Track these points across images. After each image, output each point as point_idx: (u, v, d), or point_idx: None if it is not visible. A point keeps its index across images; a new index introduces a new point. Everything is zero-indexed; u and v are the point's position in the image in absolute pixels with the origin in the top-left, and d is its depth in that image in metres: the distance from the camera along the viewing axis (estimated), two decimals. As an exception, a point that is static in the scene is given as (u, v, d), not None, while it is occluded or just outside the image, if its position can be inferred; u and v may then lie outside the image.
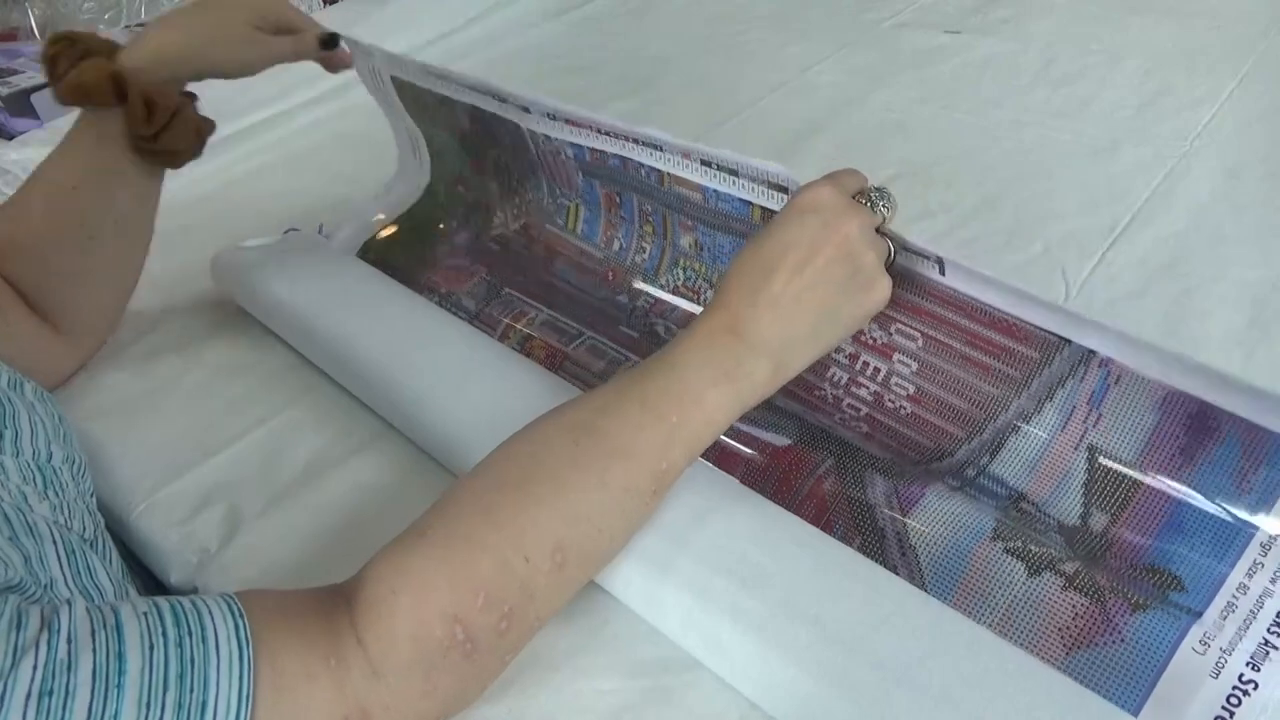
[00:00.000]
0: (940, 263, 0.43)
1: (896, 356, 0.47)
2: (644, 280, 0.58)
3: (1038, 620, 0.40)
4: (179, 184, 0.71)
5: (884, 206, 0.43)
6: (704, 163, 0.49)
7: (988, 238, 0.66)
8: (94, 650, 0.30)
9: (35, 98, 0.92)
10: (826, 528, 0.45)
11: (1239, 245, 0.63)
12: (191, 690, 0.31)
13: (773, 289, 0.40)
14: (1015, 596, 0.40)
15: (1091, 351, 0.41)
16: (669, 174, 0.51)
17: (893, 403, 0.48)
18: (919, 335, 0.46)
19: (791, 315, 0.40)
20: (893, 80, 0.88)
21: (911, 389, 0.47)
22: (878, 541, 0.44)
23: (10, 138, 0.88)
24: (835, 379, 0.49)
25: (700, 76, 0.93)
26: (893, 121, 0.82)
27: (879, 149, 0.78)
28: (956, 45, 0.93)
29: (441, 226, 0.68)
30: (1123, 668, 0.38)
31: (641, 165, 0.52)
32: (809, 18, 1.03)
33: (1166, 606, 0.38)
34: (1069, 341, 0.42)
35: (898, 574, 0.41)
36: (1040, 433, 0.43)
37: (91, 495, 0.48)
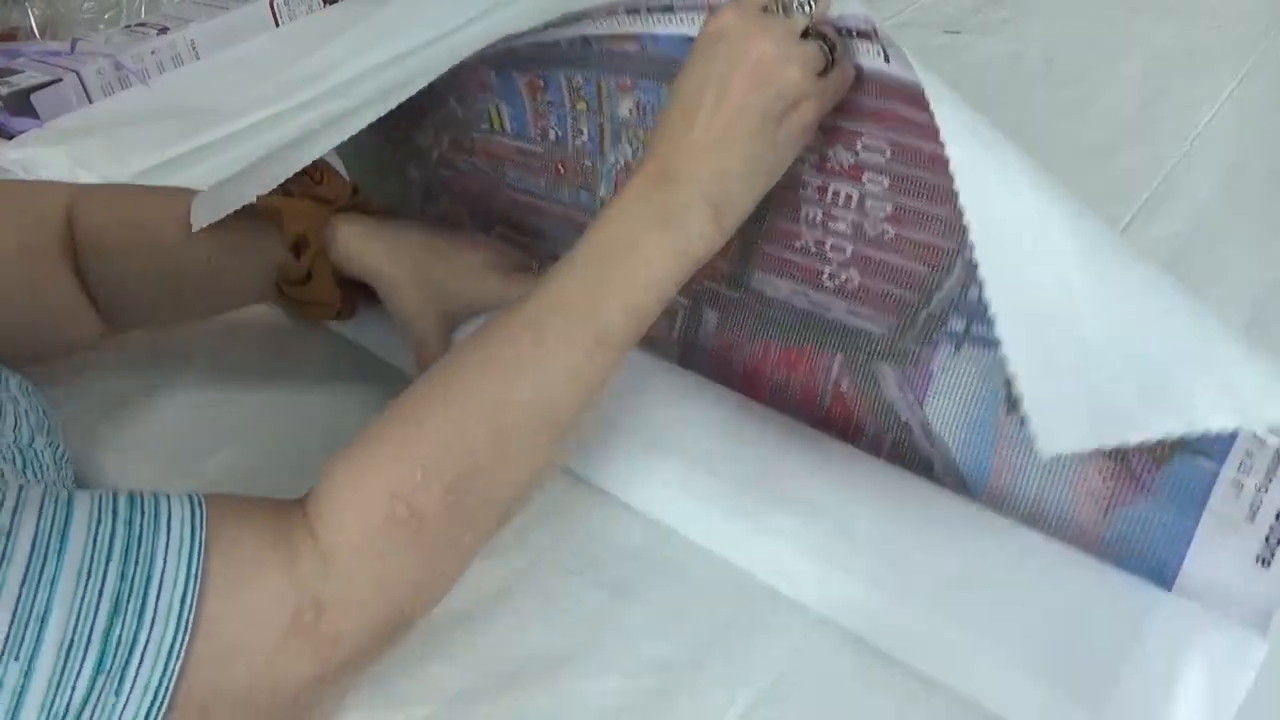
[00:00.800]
0: (884, 51, 0.40)
1: (867, 176, 0.44)
2: (590, 162, 0.55)
3: (1070, 488, 0.40)
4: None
5: (803, 6, 0.40)
6: (631, 10, 0.46)
7: (988, 238, 0.66)
8: (39, 520, 0.30)
9: (35, 97, 0.92)
10: (857, 433, 0.46)
11: (1239, 245, 0.63)
12: (136, 563, 0.31)
13: (694, 132, 0.38)
14: (1044, 468, 0.40)
15: None
16: (595, 36, 0.48)
17: (873, 229, 0.45)
18: (887, 147, 0.43)
19: (720, 152, 0.38)
20: (893, 80, 0.88)
21: (889, 208, 0.44)
22: (908, 438, 0.45)
23: (10, 137, 0.88)
24: (811, 218, 0.46)
25: (700, 76, 0.93)
26: (893, 121, 0.82)
27: (879, 149, 0.78)
28: (956, 45, 0.93)
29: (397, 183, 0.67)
30: (1161, 521, 0.38)
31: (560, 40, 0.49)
32: (809, 18, 1.03)
33: (1188, 455, 0.38)
34: None
35: (933, 468, 0.43)
36: None
37: (74, 485, 0.47)
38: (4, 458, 0.41)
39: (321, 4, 1.18)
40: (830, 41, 0.40)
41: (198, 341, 0.63)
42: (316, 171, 0.56)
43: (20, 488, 0.32)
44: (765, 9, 0.40)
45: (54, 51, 1.01)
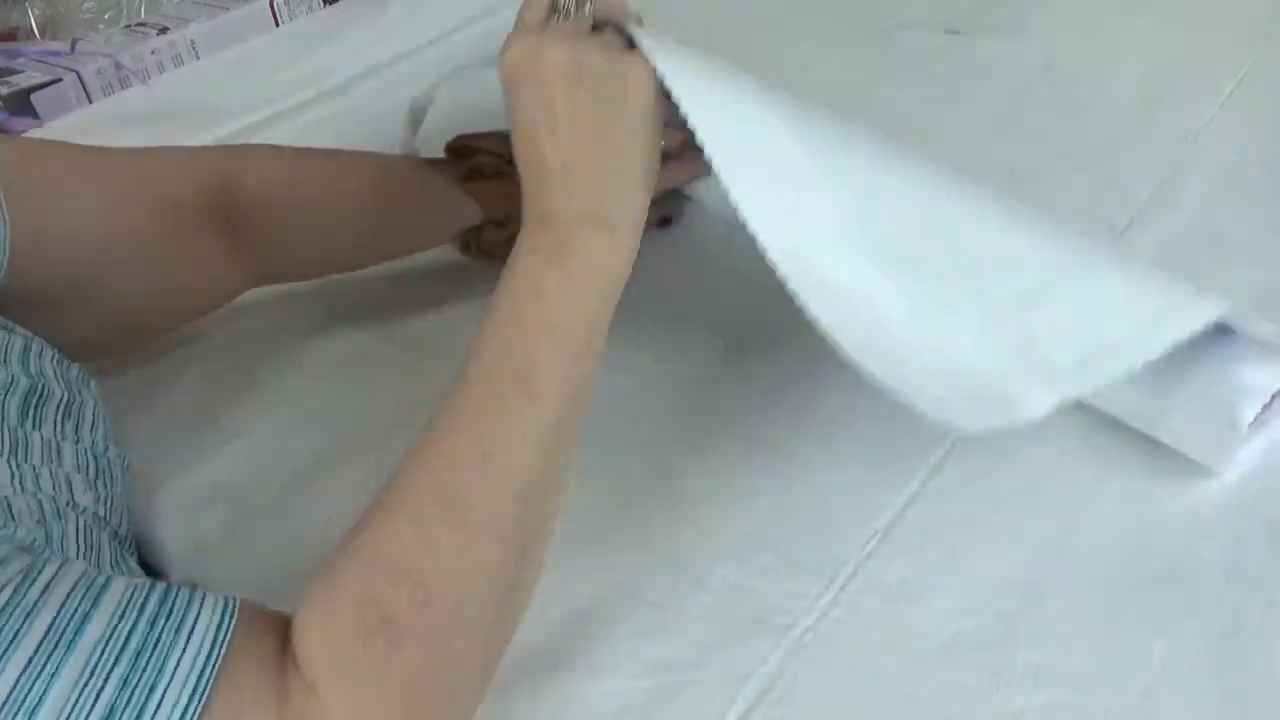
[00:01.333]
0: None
1: None
2: None
3: None
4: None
5: (580, 4, 0.40)
6: None
7: (988, 238, 0.66)
8: (64, 602, 0.29)
9: (35, 97, 0.92)
10: None
11: (1239, 245, 0.63)
12: (144, 671, 0.29)
13: (546, 165, 0.38)
14: None
15: None
16: None
17: None
18: None
19: (577, 170, 0.38)
20: (893, 80, 0.88)
21: None
22: None
23: (10, 137, 0.88)
24: None
25: (700, 76, 0.93)
26: (893, 121, 0.82)
27: (879, 149, 0.78)
28: (956, 45, 0.93)
29: None
30: None
31: None
32: (809, 18, 1.03)
33: None
34: None
35: None
36: None
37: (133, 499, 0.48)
38: (79, 465, 0.41)
39: (321, 4, 1.18)
40: (619, 26, 0.41)
41: (199, 339, 0.63)
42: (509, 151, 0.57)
43: (63, 563, 0.31)
44: (545, 21, 0.40)
45: (54, 51, 1.01)
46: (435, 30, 1.07)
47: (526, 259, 0.38)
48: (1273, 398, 0.46)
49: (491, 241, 0.61)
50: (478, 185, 0.59)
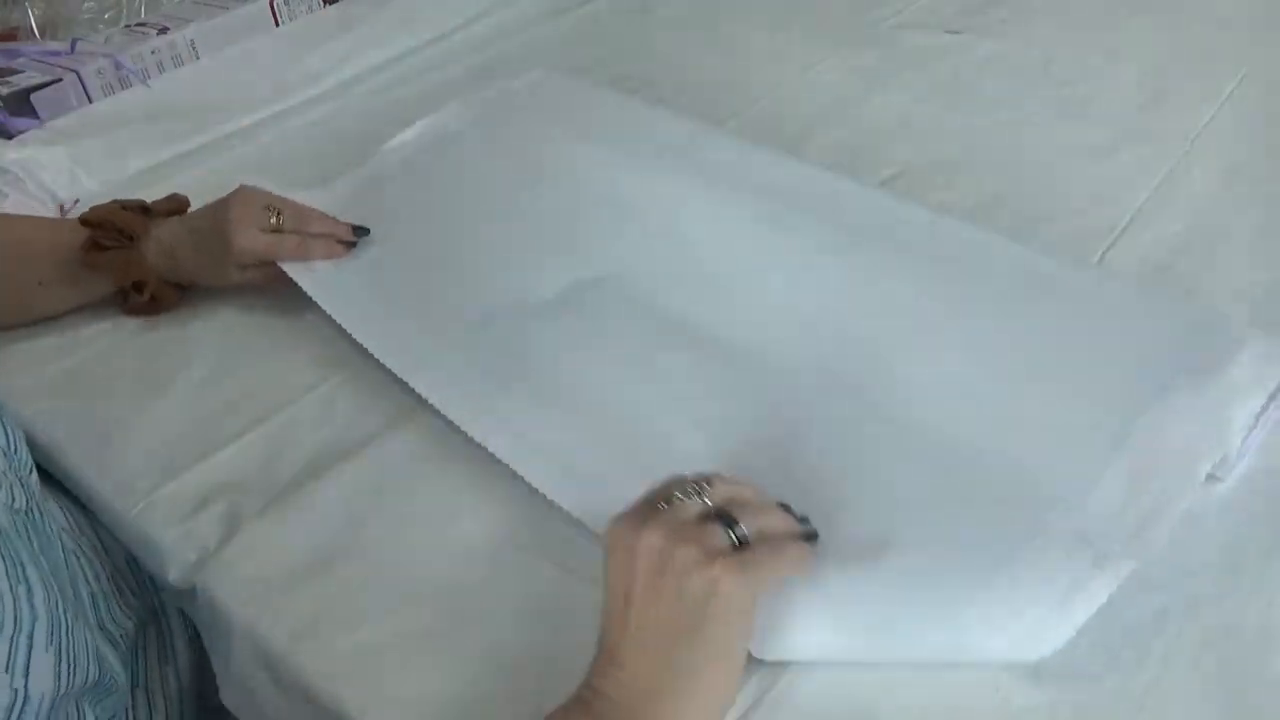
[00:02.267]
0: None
1: None
2: None
3: None
4: (178, 185, 0.71)
5: (694, 492, 0.38)
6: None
7: (988, 237, 0.66)
8: None
9: (35, 97, 0.92)
10: None
11: (1239, 245, 0.63)
12: None
13: (607, 642, 0.36)
14: None
15: None
16: None
17: None
18: None
19: (634, 663, 0.35)
20: (893, 80, 0.88)
21: None
22: None
23: (10, 137, 0.88)
24: None
25: (700, 76, 0.93)
26: (893, 121, 0.82)
27: (879, 149, 0.78)
28: (956, 45, 0.93)
29: None
30: None
31: None
32: (809, 18, 1.03)
33: None
34: None
35: None
36: None
37: (30, 471, 0.48)
38: None
39: (321, 4, 1.18)
40: (731, 518, 0.38)
41: (198, 340, 0.63)
42: (126, 222, 0.63)
43: None
44: (655, 506, 0.38)
45: (54, 51, 1.01)
46: (435, 30, 1.07)
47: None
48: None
49: (135, 308, 0.64)
50: (97, 257, 0.62)
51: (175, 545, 0.50)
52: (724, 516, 0.38)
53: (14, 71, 0.95)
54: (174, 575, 0.50)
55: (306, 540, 0.50)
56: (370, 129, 0.82)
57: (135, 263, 0.62)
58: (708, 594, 0.35)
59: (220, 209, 0.63)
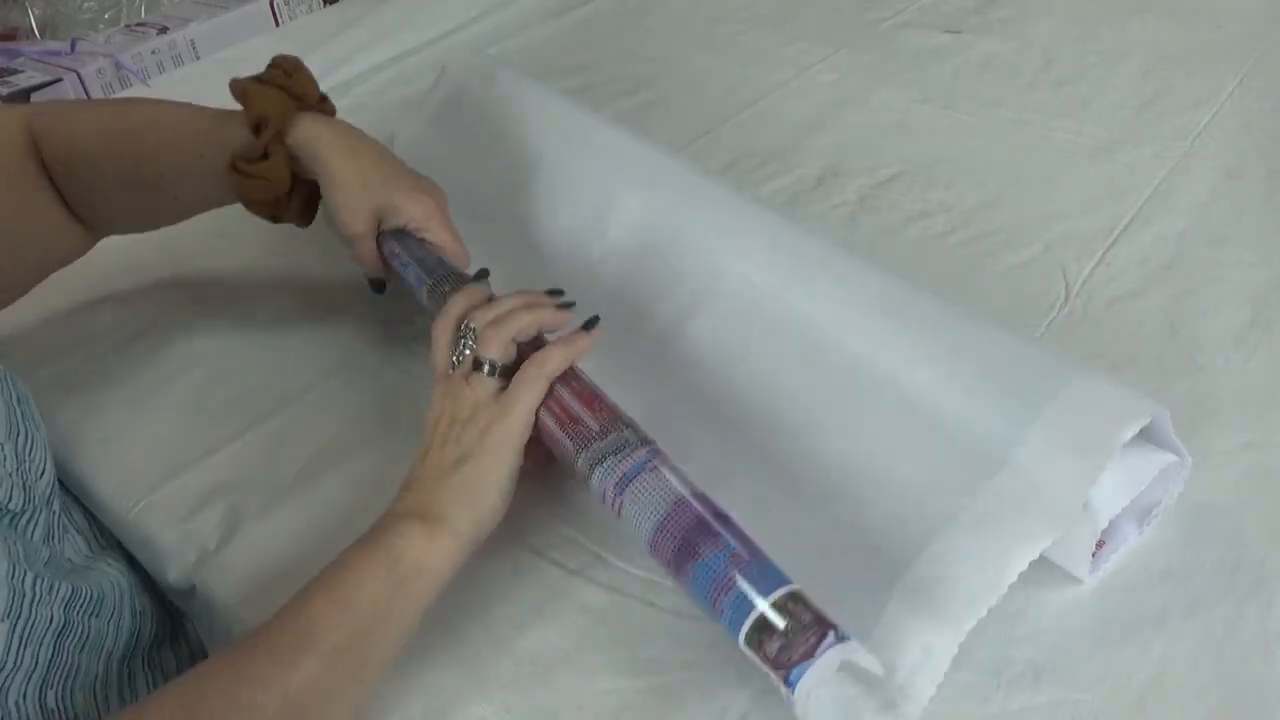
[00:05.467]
0: None
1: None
2: None
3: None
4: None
5: (467, 346, 0.46)
6: None
7: (988, 238, 0.66)
8: None
9: (35, 97, 0.92)
10: None
11: (1239, 245, 0.63)
12: None
13: (410, 477, 0.45)
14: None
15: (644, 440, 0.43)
16: None
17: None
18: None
19: (424, 486, 0.43)
20: (893, 80, 0.88)
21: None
22: None
23: (10, 137, 0.88)
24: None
25: (700, 76, 0.93)
26: (893, 121, 0.82)
27: (879, 149, 0.78)
28: (956, 45, 0.93)
29: None
30: None
31: None
32: (809, 18, 1.03)
33: None
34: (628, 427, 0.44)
35: None
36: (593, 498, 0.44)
37: (41, 474, 0.48)
38: None
39: (321, 4, 1.18)
40: (493, 364, 0.46)
41: (199, 340, 0.64)
42: (288, 63, 0.58)
43: None
44: (447, 373, 0.47)
45: (54, 51, 1.01)
46: (435, 30, 1.07)
47: (360, 541, 0.42)
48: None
49: (245, 154, 0.56)
50: (243, 82, 0.56)
51: (175, 545, 0.50)
52: (483, 363, 0.46)
53: (14, 71, 0.96)
54: (174, 575, 0.50)
55: (306, 541, 0.50)
56: (370, 129, 0.82)
57: (279, 101, 0.56)
58: (479, 438, 0.44)
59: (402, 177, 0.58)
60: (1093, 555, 0.43)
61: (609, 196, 0.61)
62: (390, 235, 0.57)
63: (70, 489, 0.56)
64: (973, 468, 0.42)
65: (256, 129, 0.55)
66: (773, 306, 0.51)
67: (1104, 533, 0.41)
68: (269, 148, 0.55)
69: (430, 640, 0.43)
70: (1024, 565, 0.38)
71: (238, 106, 0.56)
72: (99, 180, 0.57)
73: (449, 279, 0.53)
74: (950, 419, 0.44)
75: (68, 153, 0.56)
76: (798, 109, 0.85)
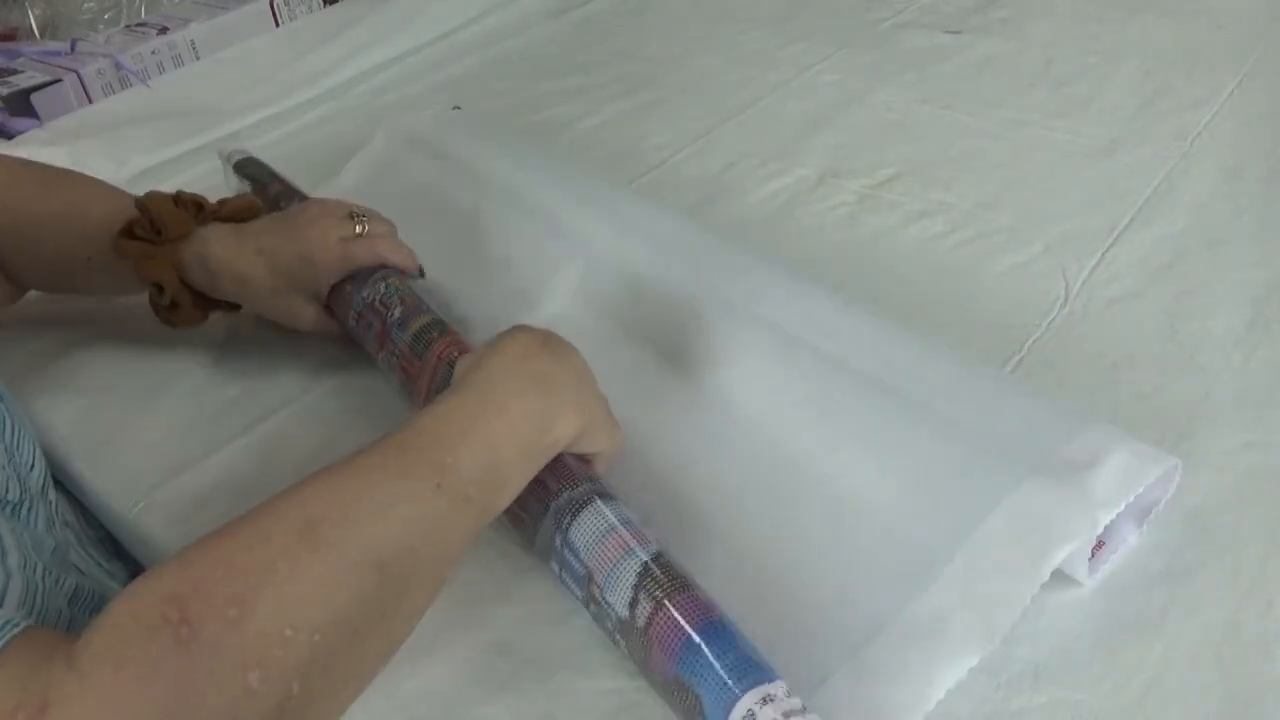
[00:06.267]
0: None
1: None
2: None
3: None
4: (178, 185, 0.71)
5: None
6: None
7: (988, 238, 0.66)
8: None
9: (35, 97, 0.92)
10: None
11: (1239, 245, 0.63)
12: None
13: (547, 357, 0.43)
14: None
15: None
16: None
17: None
18: None
19: (495, 365, 0.42)
20: (893, 80, 0.88)
21: None
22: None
23: (10, 137, 0.88)
24: None
25: (700, 76, 0.93)
26: (893, 121, 0.82)
27: (879, 149, 0.78)
28: (956, 45, 0.93)
29: None
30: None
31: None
32: (809, 18, 1.03)
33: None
34: None
35: None
36: (609, 512, 0.42)
37: (31, 467, 0.47)
38: None
39: (321, 4, 1.18)
40: None
41: (198, 340, 0.63)
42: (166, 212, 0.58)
43: None
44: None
45: (54, 51, 1.01)
46: (435, 30, 1.07)
47: (503, 373, 0.41)
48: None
49: (157, 311, 0.59)
50: (127, 245, 0.56)
51: (175, 545, 0.50)
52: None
53: (14, 71, 0.96)
54: (174, 575, 0.50)
55: (306, 540, 0.49)
56: (370, 129, 0.82)
57: (161, 262, 0.56)
58: (604, 402, 0.44)
59: (293, 226, 0.57)
60: (1091, 557, 0.43)
61: (539, 278, 0.61)
62: (347, 283, 0.57)
63: (70, 489, 0.56)
64: (907, 578, 0.41)
65: (159, 288, 0.57)
66: (719, 403, 0.51)
67: (1103, 534, 0.41)
68: (176, 299, 0.58)
69: (431, 641, 0.43)
70: (950, 683, 0.38)
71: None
72: (22, 246, 0.58)
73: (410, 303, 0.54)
74: (886, 528, 0.43)
75: (10, 220, 0.57)
76: (798, 109, 0.85)
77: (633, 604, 0.38)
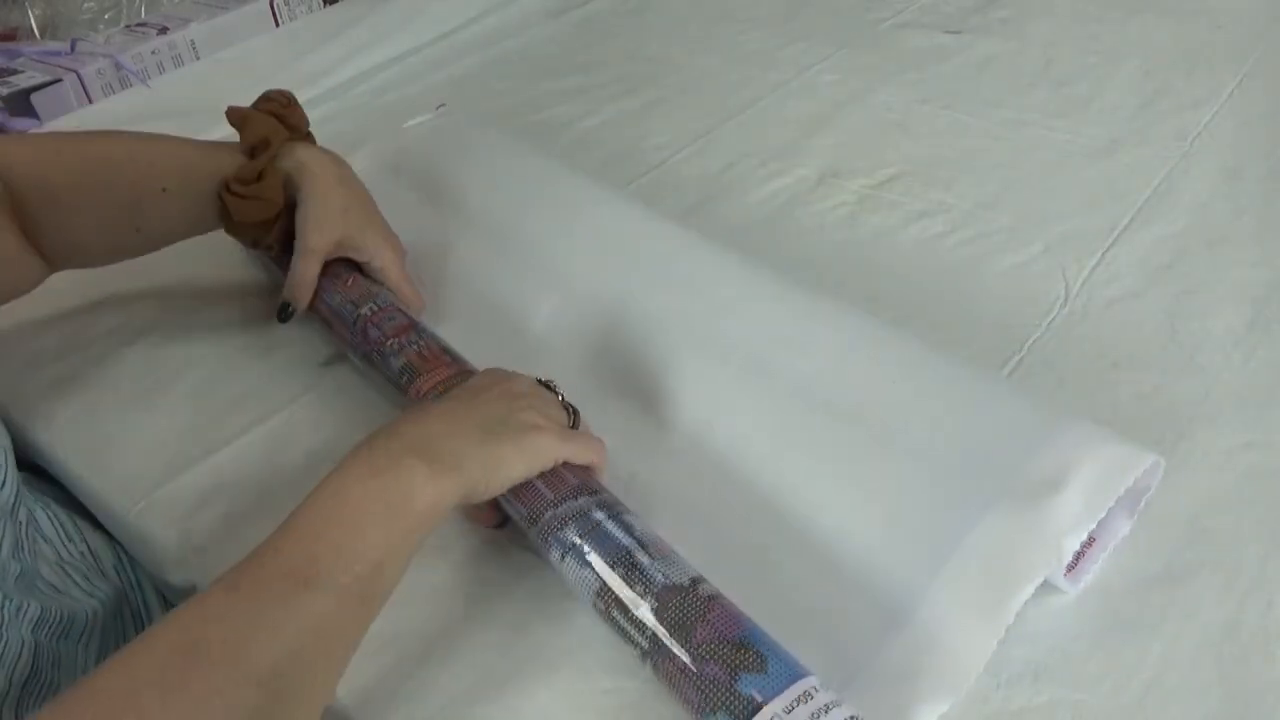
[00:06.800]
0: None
1: None
2: None
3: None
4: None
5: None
6: None
7: (988, 238, 0.66)
8: None
9: (35, 97, 0.92)
10: None
11: (1239, 245, 0.63)
12: None
13: (429, 410, 0.43)
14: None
15: None
16: None
17: None
18: None
19: (447, 422, 0.42)
20: (893, 80, 0.88)
21: None
22: None
23: (10, 137, 0.88)
24: None
25: (700, 76, 0.93)
26: (893, 121, 0.82)
27: (879, 149, 0.78)
28: (956, 45, 0.93)
29: None
30: None
31: None
32: (809, 18, 1.03)
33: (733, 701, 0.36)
34: None
35: None
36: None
37: (2, 485, 0.46)
38: None
39: (321, 4, 1.18)
40: (573, 409, 0.48)
41: (198, 340, 0.63)
42: (284, 96, 0.62)
43: None
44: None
45: (54, 51, 1.01)
46: (435, 30, 1.07)
47: (350, 462, 0.40)
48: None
49: (241, 177, 0.58)
50: (241, 109, 0.60)
51: (175, 545, 0.50)
52: (568, 407, 0.48)
53: (14, 71, 0.96)
54: (174, 575, 0.50)
55: (306, 540, 0.49)
56: (370, 129, 0.82)
57: (275, 129, 0.60)
58: (525, 427, 0.43)
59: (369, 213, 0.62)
60: (1075, 565, 0.43)
61: (522, 300, 0.61)
62: (337, 264, 0.61)
63: (70, 490, 0.56)
64: (874, 627, 0.41)
65: (252, 152, 0.59)
66: (696, 435, 0.51)
67: (1093, 530, 0.41)
68: (264, 170, 0.58)
69: (431, 641, 0.43)
70: None
71: (215, 134, 0.57)
72: (66, 212, 0.57)
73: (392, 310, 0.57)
74: (854, 570, 0.43)
75: (32, 184, 0.55)
76: (798, 109, 0.85)
77: (697, 580, 0.40)
